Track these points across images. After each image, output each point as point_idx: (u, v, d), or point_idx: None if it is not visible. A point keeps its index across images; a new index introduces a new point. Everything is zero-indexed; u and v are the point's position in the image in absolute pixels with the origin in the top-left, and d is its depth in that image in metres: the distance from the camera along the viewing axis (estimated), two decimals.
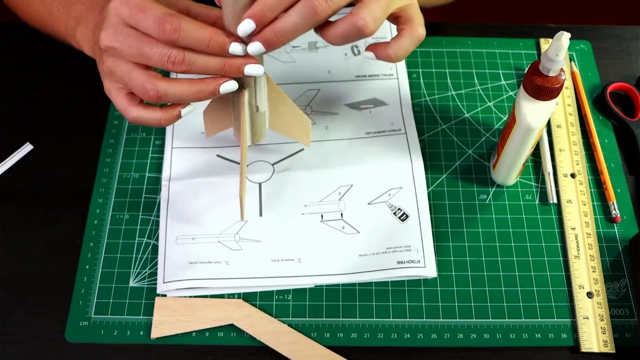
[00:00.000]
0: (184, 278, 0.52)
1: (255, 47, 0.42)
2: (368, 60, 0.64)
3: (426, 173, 0.59)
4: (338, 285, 0.53)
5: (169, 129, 0.61)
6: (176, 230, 0.55)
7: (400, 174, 0.57)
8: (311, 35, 0.59)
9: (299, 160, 0.59)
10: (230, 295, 0.53)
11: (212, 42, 0.42)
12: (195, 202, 0.56)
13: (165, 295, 0.52)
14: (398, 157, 0.58)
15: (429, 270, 0.53)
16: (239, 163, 0.58)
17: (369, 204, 0.56)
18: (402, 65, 0.65)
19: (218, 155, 0.59)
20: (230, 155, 0.59)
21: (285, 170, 0.58)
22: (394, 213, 0.55)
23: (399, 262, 0.53)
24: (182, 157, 0.59)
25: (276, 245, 0.54)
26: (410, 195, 0.56)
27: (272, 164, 0.58)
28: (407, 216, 0.55)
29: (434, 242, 0.54)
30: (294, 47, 0.66)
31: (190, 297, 0.52)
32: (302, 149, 0.59)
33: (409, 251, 0.53)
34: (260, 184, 0.57)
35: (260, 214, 0.56)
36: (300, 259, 0.54)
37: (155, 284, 0.53)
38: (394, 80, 0.63)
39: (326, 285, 0.53)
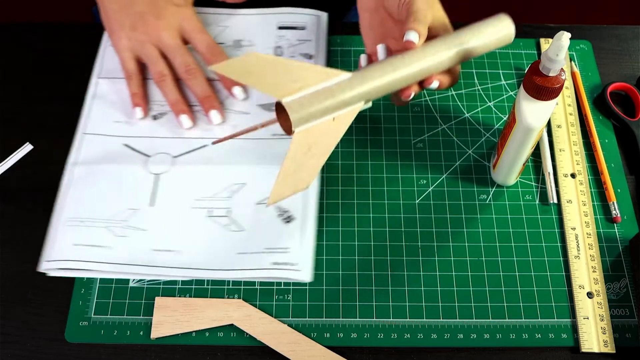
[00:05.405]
0: (66, 258, 0.53)
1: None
2: None
3: (426, 173, 0.59)
4: (338, 285, 0.53)
5: (83, 115, 0.61)
6: (68, 213, 0.56)
7: None
8: (236, 33, 0.65)
9: (201, 156, 0.59)
10: (225, 294, 0.53)
11: (208, 100, 0.60)
12: (92, 188, 0.57)
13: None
14: None
15: (304, 274, 0.52)
16: (143, 153, 0.59)
17: (257, 203, 0.56)
18: None
19: (125, 145, 0.59)
20: (136, 146, 0.59)
21: (185, 164, 0.58)
22: (280, 214, 0.55)
23: (274, 263, 0.53)
24: (91, 143, 0.60)
25: (160, 236, 0.54)
26: (300, 198, 0.56)
27: (174, 157, 0.59)
28: (292, 219, 0.55)
29: (315, 247, 0.54)
30: (219, 44, 0.65)
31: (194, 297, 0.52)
32: (207, 145, 0.59)
33: (287, 253, 0.53)
34: (158, 175, 0.57)
35: (152, 204, 0.56)
36: (180, 251, 0.54)
37: (156, 284, 0.53)
38: None
39: (326, 286, 0.53)
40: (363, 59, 0.52)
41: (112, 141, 0.60)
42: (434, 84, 0.50)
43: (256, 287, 0.53)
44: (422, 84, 0.50)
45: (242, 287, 0.53)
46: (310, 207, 0.56)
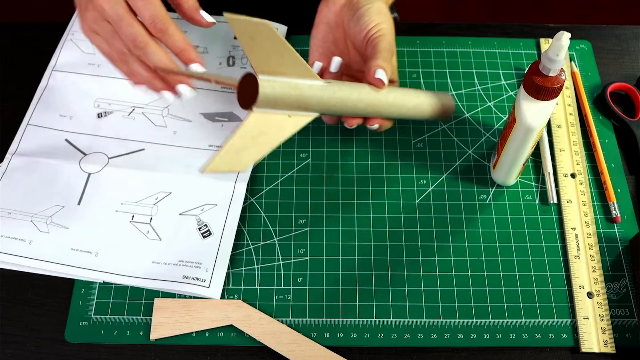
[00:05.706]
0: None
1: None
2: (237, 74, 0.63)
3: (426, 173, 0.59)
4: (338, 285, 0.53)
5: (31, 106, 0.62)
6: None
7: (219, 192, 0.57)
8: (194, 39, 0.64)
9: (135, 159, 0.59)
10: (225, 294, 0.53)
11: (184, 52, 0.51)
12: (26, 180, 0.57)
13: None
14: (224, 175, 0.58)
15: (213, 291, 0.52)
16: (81, 151, 0.59)
17: (180, 214, 0.56)
18: None
19: (66, 140, 0.60)
20: (77, 142, 0.59)
21: (118, 167, 0.58)
22: (199, 228, 0.55)
23: (184, 277, 0.53)
24: (34, 134, 0.60)
25: (81, 236, 0.54)
26: (222, 214, 0.56)
27: (110, 158, 0.58)
28: (210, 234, 0.55)
29: (229, 266, 0.54)
30: None
31: (191, 297, 0.52)
32: (143, 149, 0.59)
33: (198, 268, 0.53)
34: (89, 174, 0.57)
35: (79, 203, 0.56)
36: (97, 253, 0.54)
37: None
38: None
39: (326, 286, 0.53)
40: (317, 66, 0.54)
41: (54, 135, 0.60)
42: (375, 126, 0.53)
43: (256, 287, 0.53)
44: (366, 120, 0.53)
45: (242, 287, 0.53)
46: (230, 225, 0.55)
